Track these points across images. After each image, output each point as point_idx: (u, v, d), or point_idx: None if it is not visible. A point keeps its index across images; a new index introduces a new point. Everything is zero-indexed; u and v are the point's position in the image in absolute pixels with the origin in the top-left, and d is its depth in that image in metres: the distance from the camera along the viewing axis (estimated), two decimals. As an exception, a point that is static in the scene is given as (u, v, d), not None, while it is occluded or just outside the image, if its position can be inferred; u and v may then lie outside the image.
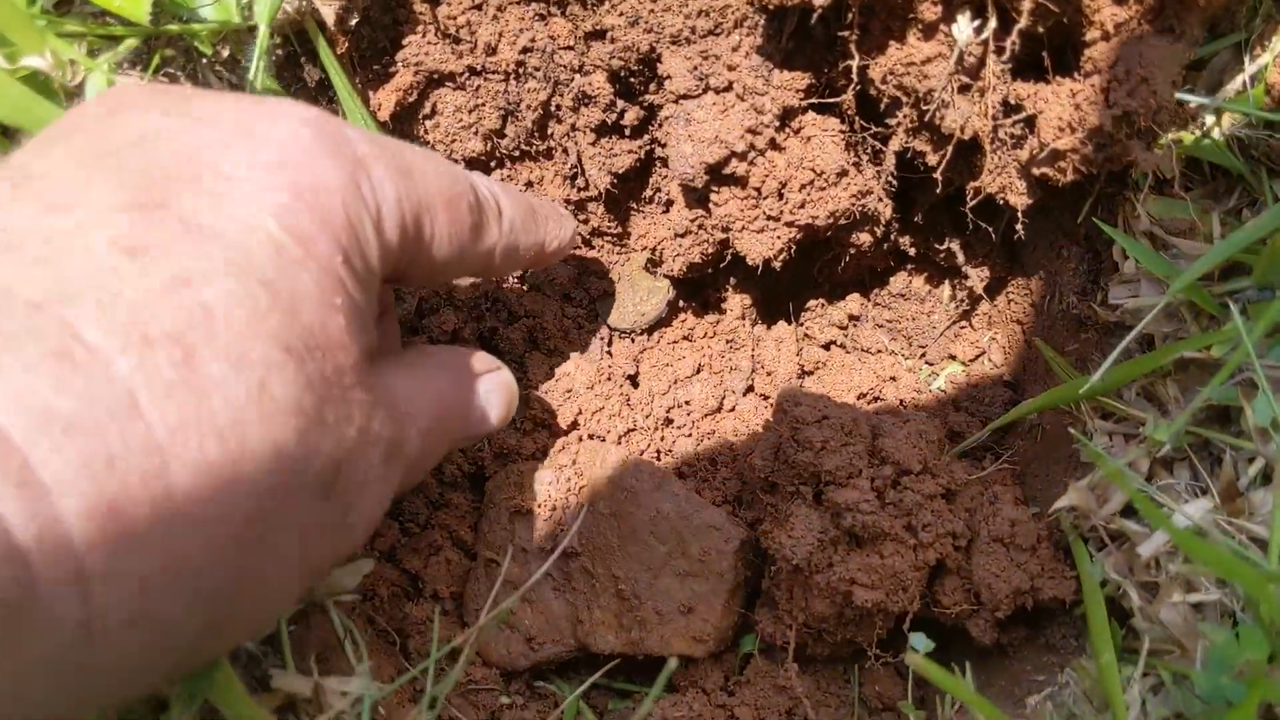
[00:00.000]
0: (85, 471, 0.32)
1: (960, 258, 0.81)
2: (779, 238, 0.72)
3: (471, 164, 0.78)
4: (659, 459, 0.81)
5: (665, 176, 0.78)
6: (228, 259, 0.38)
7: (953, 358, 0.88)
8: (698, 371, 0.85)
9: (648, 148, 0.76)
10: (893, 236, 0.81)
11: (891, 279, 0.89)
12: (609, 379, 0.81)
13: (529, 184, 0.79)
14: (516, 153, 0.77)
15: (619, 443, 0.79)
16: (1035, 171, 0.64)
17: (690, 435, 0.82)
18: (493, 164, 0.79)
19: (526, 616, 0.74)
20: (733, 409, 0.85)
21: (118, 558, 0.33)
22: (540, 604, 0.74)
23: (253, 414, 0.37)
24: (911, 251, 0.84)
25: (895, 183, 0.71)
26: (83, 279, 0.35)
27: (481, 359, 0.64)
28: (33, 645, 0.32)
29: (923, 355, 0.89)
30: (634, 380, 0.84)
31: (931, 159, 0.68)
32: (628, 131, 0.75)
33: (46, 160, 0.41)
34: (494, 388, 0.63)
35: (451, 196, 0.52)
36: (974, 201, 0.68)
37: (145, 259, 0.37)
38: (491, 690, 0.75)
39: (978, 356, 0.87)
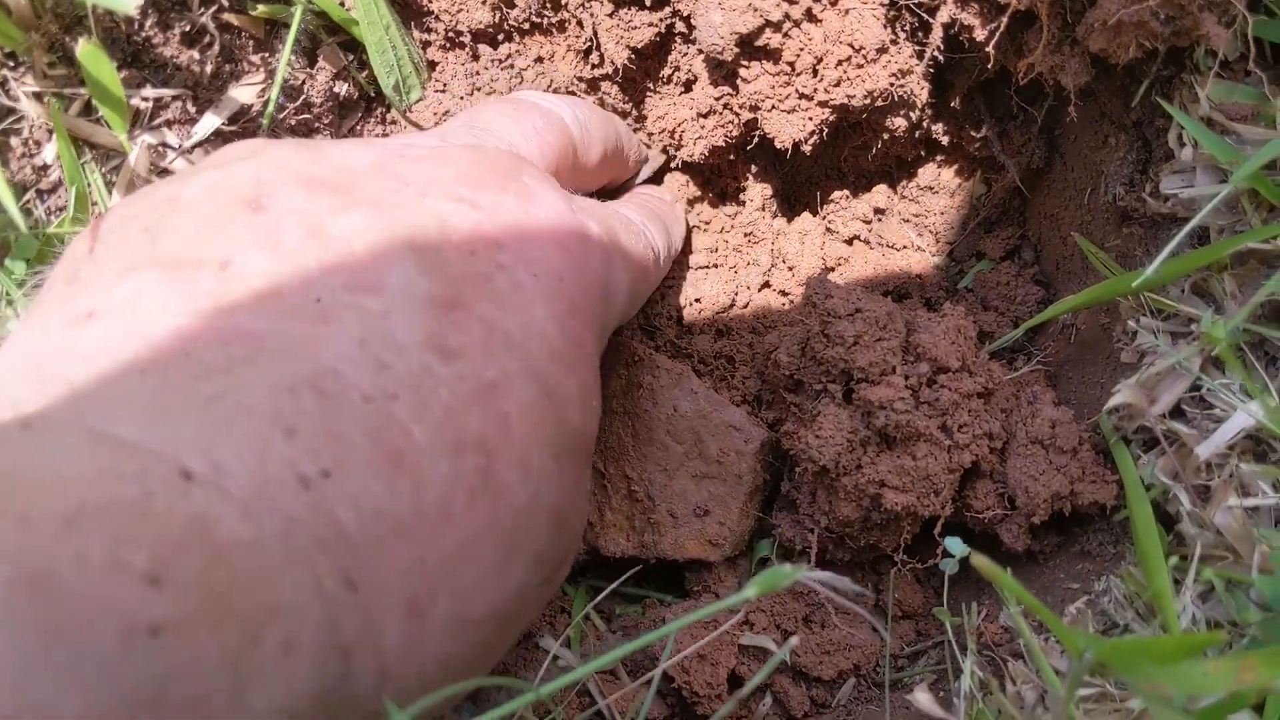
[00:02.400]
0: (402, 573, 0.34)
1: (997, 146, 0.76)
2: (811, 119, 0.67)
3: (477, 36, 0.72)
4: (674, 357, 0.77)
5: (685, 54, 0.73)
6: (524, 368, 0.40)
7: (982, 254, 0.84)
8: (714, 266, 0.81)
9: (668, 21, 0.70)
10: (924, 123, 0.77)
11: (920, 170, 0.84)
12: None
13: (539, 59, 0.74)
14: (527, 25, 0.72)
15: (633, 338, 0.75)
16: (1093, 47, 0.60)
17: (705, 333, 0.79)
18: (500, 37, 0.73)
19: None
20: (747, 305, 0.81)
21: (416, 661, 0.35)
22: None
23: (525, 520, 0.39)
24: (944, 140, 0.79)
25: (942, 59, 0.66)
26: (403, 377, 0.36)
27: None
28: None
29: (950, 252, 0.85)
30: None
31: (980, 34, 0.63)
32: (648, 2, 0.69)
33: (345, 221, 0.40)
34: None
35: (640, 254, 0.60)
36: (1025, 81, 0.63)
37: (458, 364, 0.38)
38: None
39: (1009, 254, 0.83)
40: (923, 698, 0.58)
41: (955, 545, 0.63)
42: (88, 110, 0.63)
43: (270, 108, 0.66)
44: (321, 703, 0.31)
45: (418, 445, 0.35)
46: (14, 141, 0.62)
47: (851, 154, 0.81)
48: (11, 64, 0.61)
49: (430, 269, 0.40)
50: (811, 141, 0.68)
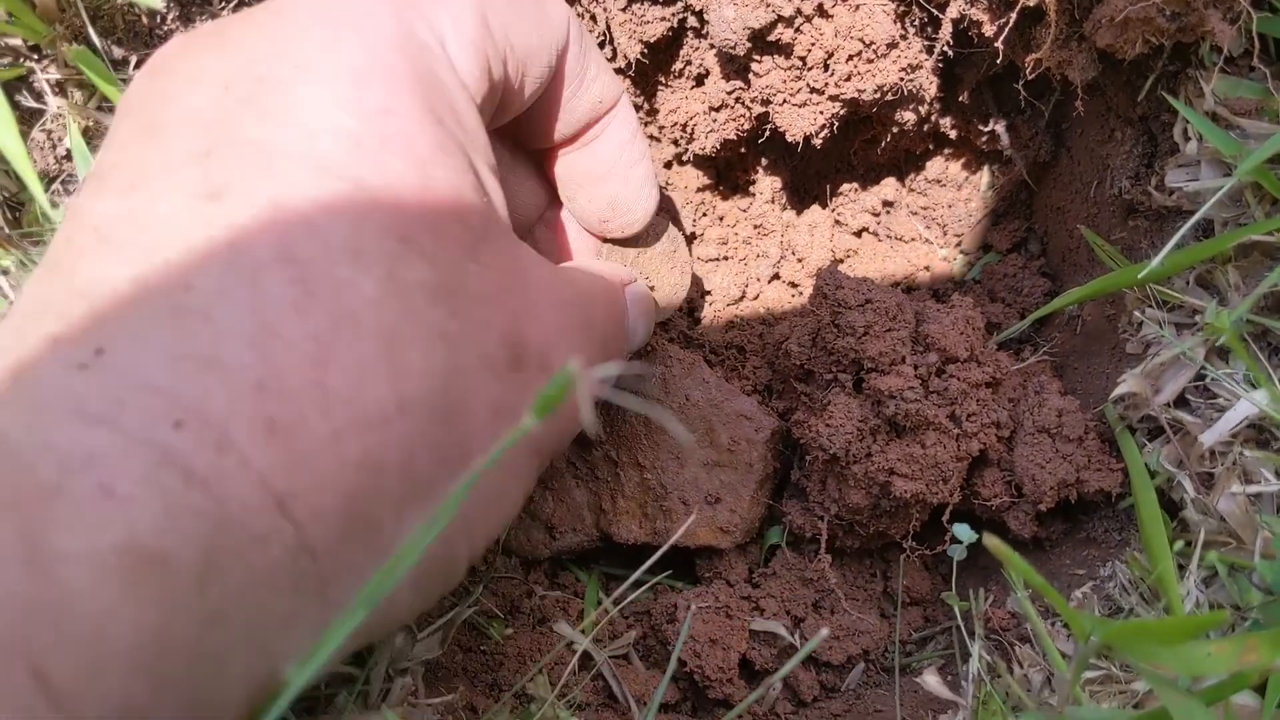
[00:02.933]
0: (242, 396, 0.31)
1: (1004, 140, 0.77)
2: (822, 113, 0.68)
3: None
4: (685, 347, 0.78)
5: (697, 48, 0.74)
6: (310, 167, 0.35)
7: (989, 247, 0.85)
8: (724, 258, 0.82)
9: (681, 15, 0.71)
10: (933, 117, 0.78)
11: (928, 163, 0.85)
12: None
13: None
14: (540, 19, 0.73)
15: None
16: (1100, 43, 0.61)
17: (716, 323, 0.80)
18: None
19: (547, 505, 0.72)
20: (756, 297, 0.82)
21: (299, 473, 0.32)
22: (562, 492, 0.72)
23: (392, 305, 0.35)
24: (952, 134, 0.80)
25: (951, 54, 0.67)
26: (175, 239, 0.33)
27: (615, 269, 0.60)
28: (246, 560, 0.30)
29: (958, 244, 0.86)
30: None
31: (989, 29, 0.64)
32: (660, -3, 0.70)
33: (114, 151, 0.38)
34: (637, 299, 0.59)
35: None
36: (1033, 75, 0.64)
37: (229, 199, 0.34)
38: (511, 579, 0.73)
39: (1016, 246, 0.84)
40: (932, 680, 0.59)
41: (964, 532, 0.64)
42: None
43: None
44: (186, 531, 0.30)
45: (203, 289, 0.33)
46: (37, 134, 0.63)
47: (861, 147, 0.82)
48: (36, 56, 0.62)
49: (192, 133, 0.37)
50: (822, 135, 0.69)
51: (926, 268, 0.84)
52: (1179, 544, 0.55)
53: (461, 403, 0.37)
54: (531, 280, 0.43)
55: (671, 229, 0.65)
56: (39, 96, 0.61)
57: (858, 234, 0.86)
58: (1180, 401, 0.61)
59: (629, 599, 0.74)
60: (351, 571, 0.33)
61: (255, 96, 0.37)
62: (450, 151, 0.40)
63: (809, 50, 0.66)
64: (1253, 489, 0.55)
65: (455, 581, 0.41)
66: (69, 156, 0.64)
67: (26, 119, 0.61)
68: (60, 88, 0.62)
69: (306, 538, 0.32)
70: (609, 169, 0.57)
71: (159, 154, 0.36)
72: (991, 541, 0.42)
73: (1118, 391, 0.61)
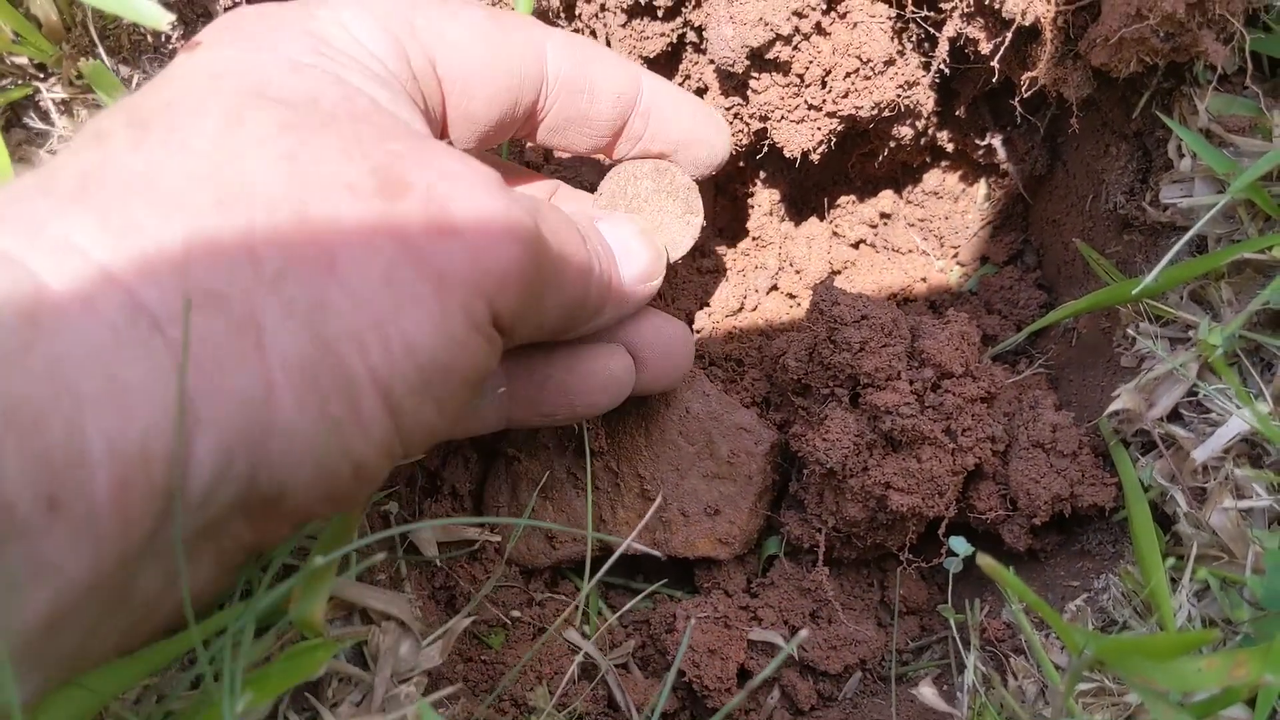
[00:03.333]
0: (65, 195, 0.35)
1: (1001, 154, 0.78)
2: (819, 129, 0.69)
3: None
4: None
5: (696, 63, 0.74)
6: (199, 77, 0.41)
7: (986, 259, 0.86)
8: (722, 270, 0.82)
9: (680, 31, 0.72)
10: (930, 131, 0.78)
11: (925, 176, 0.86)
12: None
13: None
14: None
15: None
16: (1095, 61, 0.61)
17: (715, 335, 0.80)
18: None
19: (547, 515, 0.73)
20: (755, 308, 0.83)
21: (122, 244, 0.34)
22: (562, 502, 0.73)
23: (231, 135, 0.38)
24: (949, 147, 0.81)
25: (948, 71, 0.67)
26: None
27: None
28: (76, 324, 0.32)
29: (955, 256, 0.87)
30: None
31: (985, 47, 0.65)
32: (660, 13, 0.71)
33: None
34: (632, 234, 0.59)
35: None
36: (1029, 93, 0.65)
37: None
38: (511, 588, 0.74)
39: (1012, 258, 0.85)
40: (927, 692, 0.60)
41: (959, 545, 0.65)
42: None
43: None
44: None
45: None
46: (44, 155, 0.64)
47: (858, 161, 0.82)
48: (42, 75, 0.63)
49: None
50: (820, 151, 0.70)
51: (923, 279, 0.84)
52: (1172, 559, 0.56)
53: (319, 215, 0.38)
54: (435, 149, 0.44)
55: (682, 180, 0.63)
56: (45, 116, 0.62)
57: (855, 246, 0.86)
58: (1174, 416, 0.62)
59: (626, 607, 0.75)
60: (206, 346, 0.34)
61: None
62: (331, 61, 0.44)
63: (807, 67, 0.66)
64: (1244, 504, 0.56)
65: (367, 416, 0.39)
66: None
67: (33, 140, 0.62)
68: (66, 107, 0.63)
69: (140, 299, 0.33)
70: (674, 134, 0.60)
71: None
72: (986, 562, 0.43)
73: (1112, 407, 0.61)
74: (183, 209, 0.35)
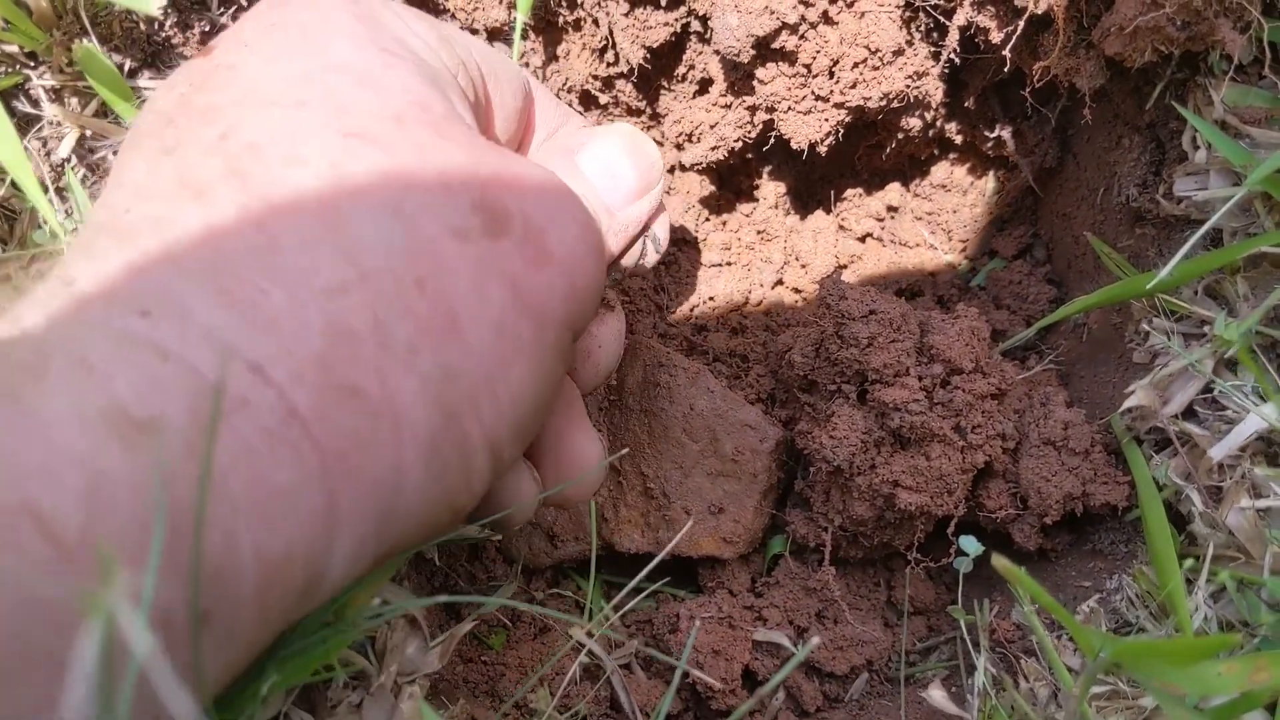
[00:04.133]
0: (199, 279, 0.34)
1: (1010, 146, 0.76)
2: (827, 120, 0.67)
3: (493, 35, 0.72)
4: (689, 355, 0.78)
5: (700, 53, 0.73)
6: (258, 100, 0.38)
7: (994, 253, 0.84)
8: (727, 263, 0.81)
9: (684, 20, 0.70)
10: (939, 123, 0.77)
11: (933, 169, 0.85)
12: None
13: (554, 58, 0.74)
14: (542, 23, 0.72)
15: (650, 336, 0.76)
16: (1109, 51, 0.60)
17: (719, 330, 0.79)
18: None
19: (549, 513, 0.72)
20: (760, 303, 0.82)
21: (265, 339, 0.33)
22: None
23: (333, 189, 0.36)
24: (958, 139, 0.79)
25: (958, 61, 0.66)
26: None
27: None
28: (232, 424, 0.31)
29: (963, 250, 0.85)
30: (661, 272, 0.81)
31: (996, 36, 0.63)
32: (663, 2, 0.70)
33: None
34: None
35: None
36: (1040, 84, 0.63)
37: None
38: (511, 586, 0.73)
39: (1021, 252, 0.83)
40: (937, 695, 0.59)
41: (970, 544, 0.63)
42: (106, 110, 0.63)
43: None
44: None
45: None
46: (32, 141, 0.63)
47: (865, 153, 0.81)
48: (33, 64, 0.61)
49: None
50: (827, 143, 0.69)
51: (931, 274, 0.83)
52: (1188, 561, 0.55)
53: (434, 271, 0.36)
54: (509, 159, 0.42)
55: None
56: (35, 103, 0.61)
57: (862, 239, 0.85)
58: (1188, 413, 0.60)
59: (628, 606, 0.73)
60: (348, 441, 0.33)
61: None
62: (396, 61, 0.41)
63: (814, 57, 0.65)
64: (1262, 504, 0.55)
65: (475, 472, 0.39)
66: (65, 163, 0.64)
67: (22, 127, 0.61)
68: (57, 95, 0.62)
69: (289, 400, 0.32)
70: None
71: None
72: (1001, 563, 0.42)
73: (1127, 404, 0.60)
74: (314, 295, 0.34)
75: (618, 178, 0.54)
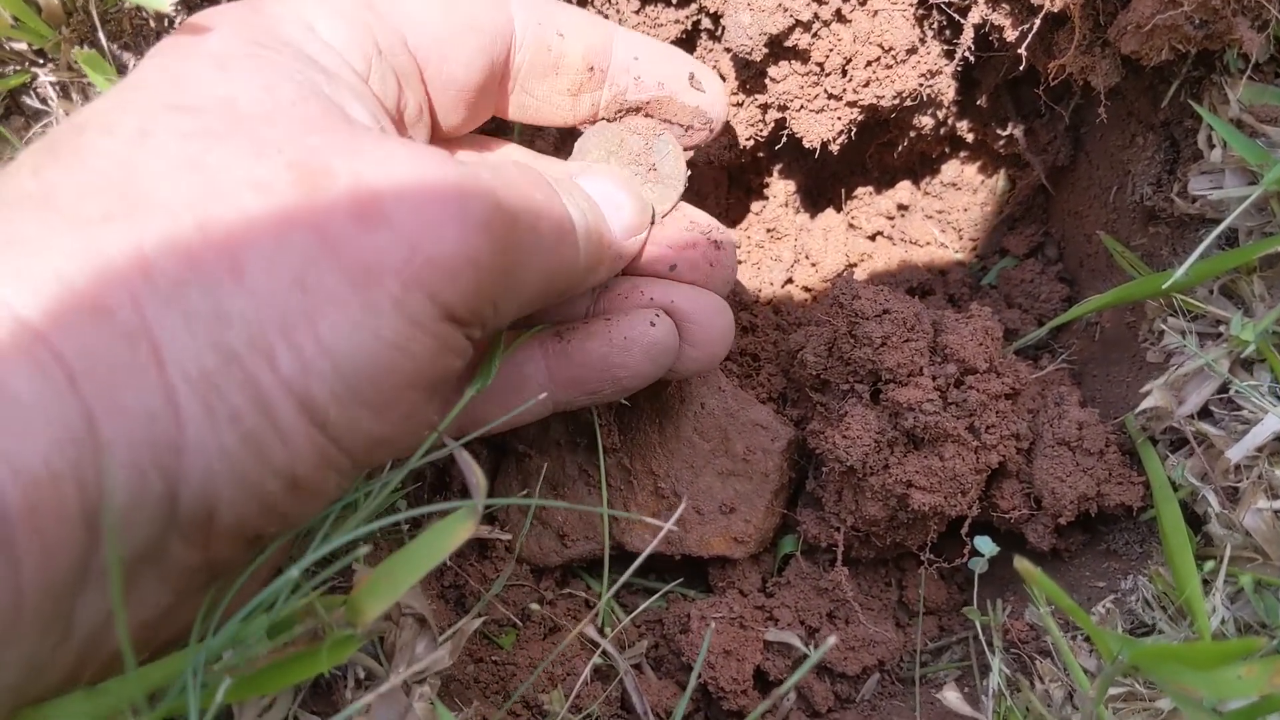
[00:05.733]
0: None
1: (1023, 144, 0.76)
2: (839, 119, 0.67)
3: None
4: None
5: (711, 50, 0.73)
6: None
7: (1005, 252, 0.84)
8: (737, 262, 0.81)
9: (695, 18, 0.70)
10: (950, 121, 0.77)
11: (944, 167, 0.84)
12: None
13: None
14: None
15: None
16: (1125, 49, 0.60)
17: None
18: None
19: (559, 513, 0.71)
20: (769, 302, 0.82)
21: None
22: (573, 500, 0.71)
23: (135, 146, 0.37)
24: (969, 138, 0.79)
25: (973, 60, 0.66)
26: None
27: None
28: None
29: (974, 249, 0.85)
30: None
31: (1010, 34, 0.63)
32: (674, 0, 0.69)
33: None
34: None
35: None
36: (1056, 81, 0.63)
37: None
38: (522, 586, 0.72)
39: (1032, 251, 0.83)
40: (952, 696, 0.58)
41: (985, 545, 0.63)
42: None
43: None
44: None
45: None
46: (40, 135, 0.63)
47: (877, 151, 0.81)
48: (41, 61, 0.61)
49: None
50: (839, 141, 0.68)
51: (942, 272, 0.83)
52: (1210, 563, 0.54)
53: (221, 216, 0.36)
54: (362, 139, 0.41)
55: (663, 141, 0.59)
56: (45, 102, 0.61)
57: (872, 238, 0.85)
58: (1204, 413, 0.60)
59: (640, 607, 0.73)
60: (99, 361, 0.33)
61: None
62: (260, 50, 0.42)
63: (827, 56, 0.65)
64: (1279, 504, 0.54)
65: (286, 430, 0.37)
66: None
67: (34, 125, 0.61)
68: (64, 92, 0.61)
69: (21, 314, 0.33)
70: (655, 89, 0.57)
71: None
72: (1023, 565, 0.41)
73: (1144, 405, 0.60)
74: (71, 225, 0.34)
75: (619, 207, 0.54)
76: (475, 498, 0.41)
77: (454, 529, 0.40)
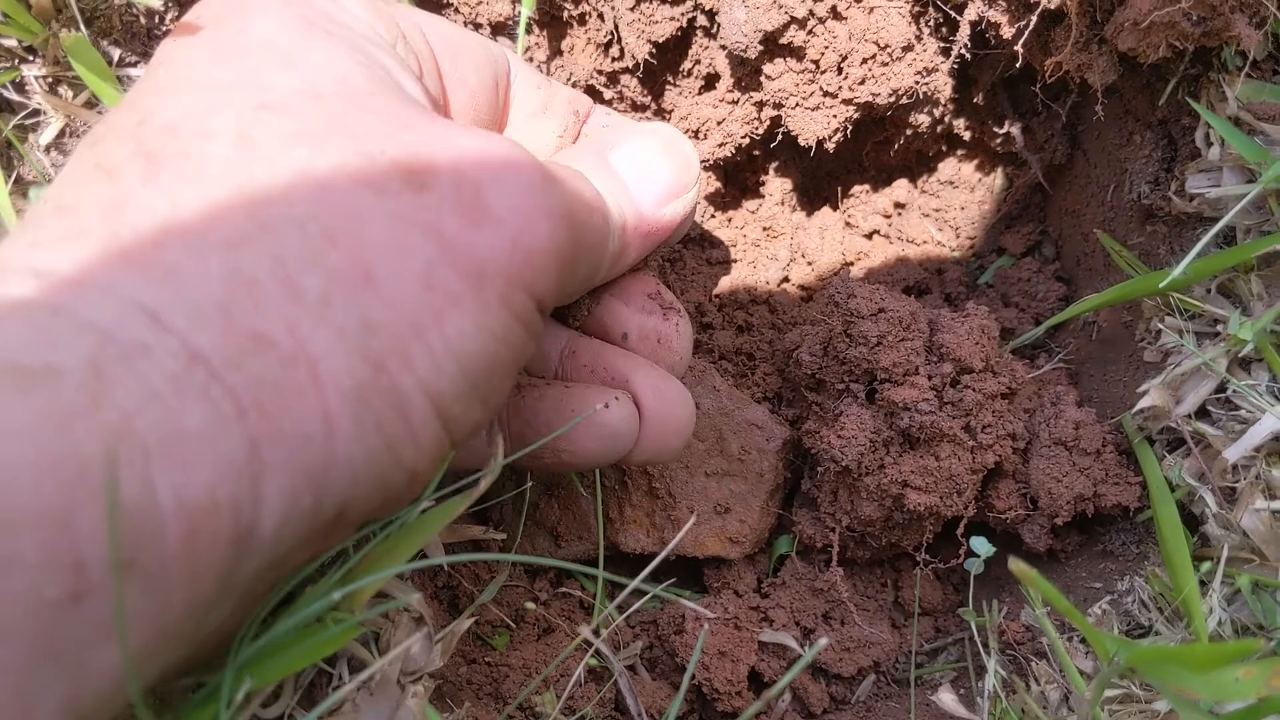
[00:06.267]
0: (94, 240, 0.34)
1: (1019, 142, 0.76)
2: (835, 116, 0.66)
3: (496, 29, 0.72)
4: (694, 353, 0.77)
5: (706, 48, 0.72)
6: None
7: (1002, 250, 0.84)
8: (733, 260, 0.80)
9: (690, 15, 0.70)
10: (947, 119, 0.76)
11: (940, 165, 0.84)
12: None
13: (559, 52, 0.73)
14: (547, 17, 0.71)
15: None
16: (1122, 47, 0.59)
17: (725, 328, 0.78)
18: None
19: (553, 513, 0.71)
20: (766, 301, 0.81)
21: (164, 289, 0.33)
22: (568, 501, 0.71)
23: (239, 154, 0.37)
24: (966, 136, 0.79)
25: (968, 57, 0.65)
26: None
27: None
28: (136, 370, 0.31)
29: (971, 247, 0.85)
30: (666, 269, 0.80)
31: (1007, 31, 0.63)
32: (669, -4, 0.69)
33: None
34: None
35: None
36: (1052, 79, 0.62)
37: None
38: (516, 587, 0.72)
39: (1030, 250, 0.83)
40: (947, 698, 0.58)
41: (981, 546, 0.63)
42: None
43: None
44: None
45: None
46: (31, 138, 0.62)
47: (873, 149, 0.80)
48: (31, 58, 0.61)
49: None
50: (835, 139, 0.68)
51: (938, 271, 0.82)
52: (1206, 564, 0.54)
53: (345, 224, 0.36)
54: (447, 126, 0.42)
55: None
56: (29, 94, 0.60)
57: (869, 236, 0.84)
58: (1201, 413, 0.60)
59: (634, 608, 0.73)
60: (263, 388, 0.33)
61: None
62: (319, 35, 0.41)
63: (822, 53, 0.64)
64: (1277, 505, 0.54)
65: (418, 427, 0.38)
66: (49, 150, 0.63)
67: (21, 123, 0.60)
68: (52, 88, 0.61)
69: (191, 345, 0.32)
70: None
71: None
72: (1018, 567, 0.41)
73: (1141, 404, 0.59)
74: (214, 248, 0.34)
75: (652, 178, 0.52)
76: (494, 459, 0.44)
77: (448, 510, 0.42)
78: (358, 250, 0.36)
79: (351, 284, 0.36)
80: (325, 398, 0.35)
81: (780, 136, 0.72)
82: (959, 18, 0.63)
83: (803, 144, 0.69)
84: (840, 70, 0.65)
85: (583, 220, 0.44)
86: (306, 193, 0.36)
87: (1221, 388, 0.59)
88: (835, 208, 0.84)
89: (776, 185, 0.81)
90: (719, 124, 0.72)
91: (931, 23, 0.66)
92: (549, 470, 0.60)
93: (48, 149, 0.62)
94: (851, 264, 0.83)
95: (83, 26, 0.60)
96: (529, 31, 0.72)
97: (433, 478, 0.41)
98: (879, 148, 0.80)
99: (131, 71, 0.62)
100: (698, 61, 0.73)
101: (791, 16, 0.62)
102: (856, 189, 0.84)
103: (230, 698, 0.37)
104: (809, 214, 0.84)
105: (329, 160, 0.37)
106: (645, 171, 0.52)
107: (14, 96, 0.60)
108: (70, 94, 0.61)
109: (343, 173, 0.37)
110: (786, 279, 0.82)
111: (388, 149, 0.39)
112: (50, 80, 0.61)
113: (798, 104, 0.67)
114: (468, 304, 0.38)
